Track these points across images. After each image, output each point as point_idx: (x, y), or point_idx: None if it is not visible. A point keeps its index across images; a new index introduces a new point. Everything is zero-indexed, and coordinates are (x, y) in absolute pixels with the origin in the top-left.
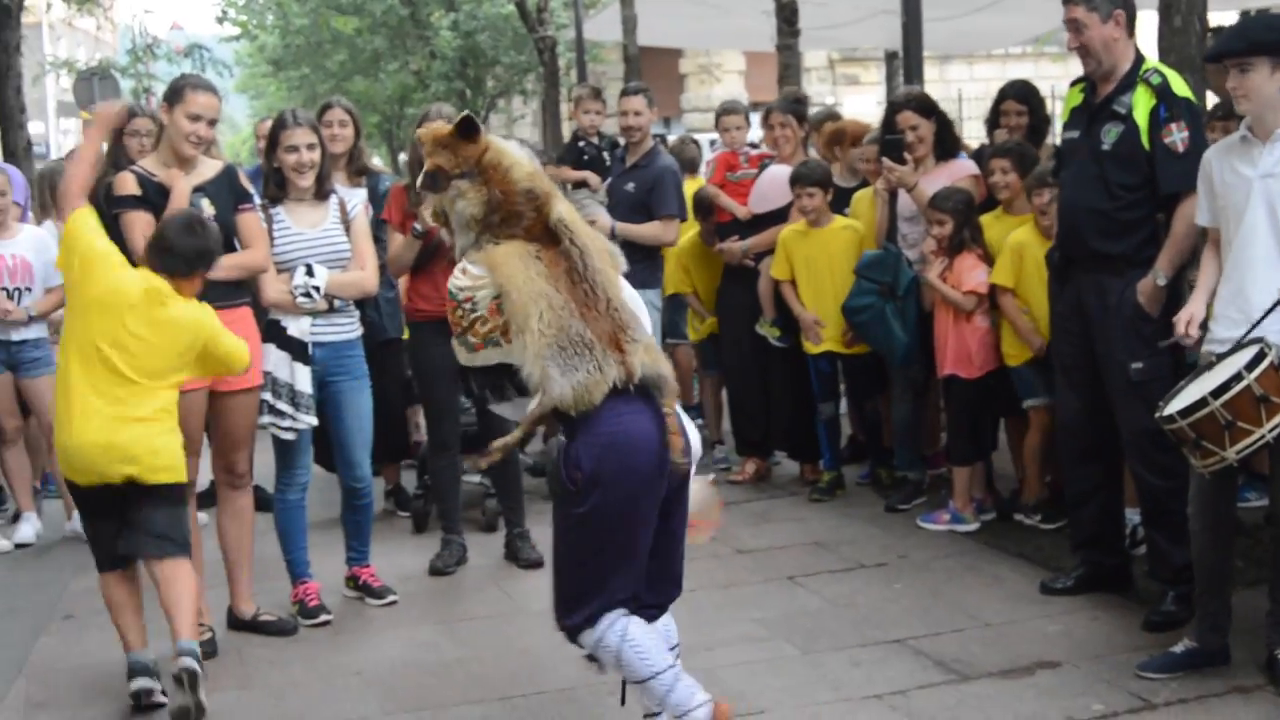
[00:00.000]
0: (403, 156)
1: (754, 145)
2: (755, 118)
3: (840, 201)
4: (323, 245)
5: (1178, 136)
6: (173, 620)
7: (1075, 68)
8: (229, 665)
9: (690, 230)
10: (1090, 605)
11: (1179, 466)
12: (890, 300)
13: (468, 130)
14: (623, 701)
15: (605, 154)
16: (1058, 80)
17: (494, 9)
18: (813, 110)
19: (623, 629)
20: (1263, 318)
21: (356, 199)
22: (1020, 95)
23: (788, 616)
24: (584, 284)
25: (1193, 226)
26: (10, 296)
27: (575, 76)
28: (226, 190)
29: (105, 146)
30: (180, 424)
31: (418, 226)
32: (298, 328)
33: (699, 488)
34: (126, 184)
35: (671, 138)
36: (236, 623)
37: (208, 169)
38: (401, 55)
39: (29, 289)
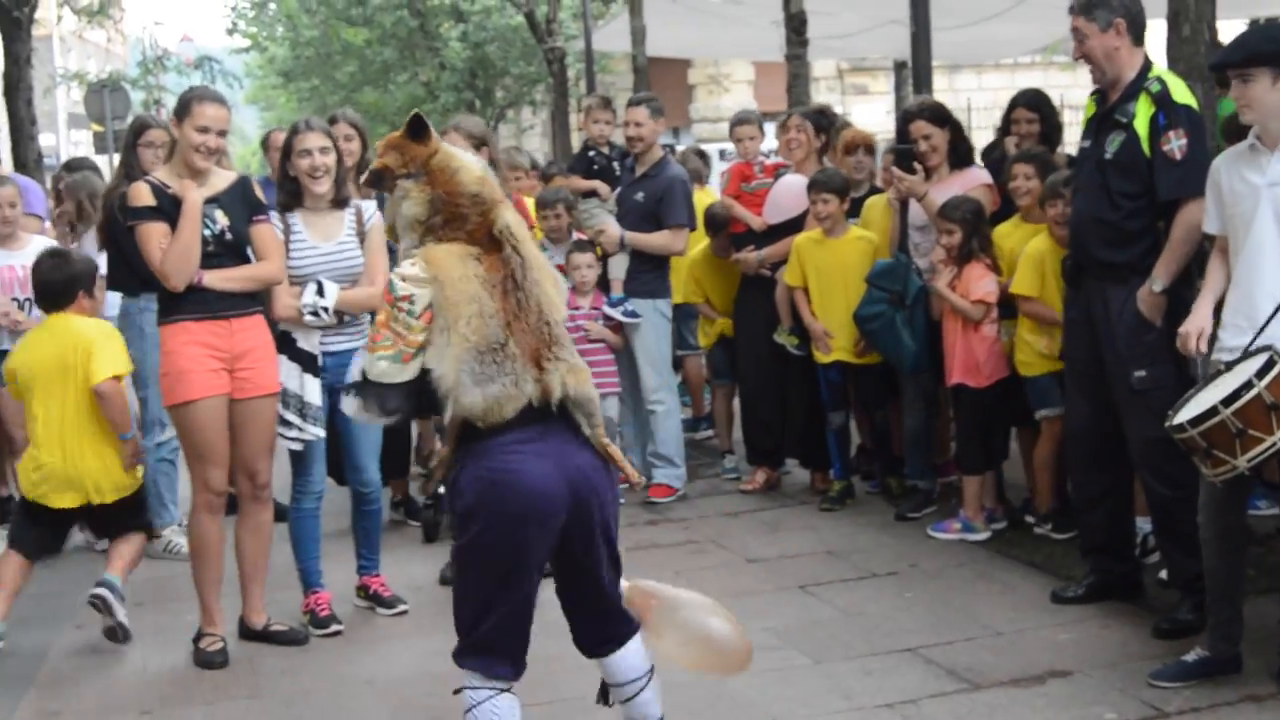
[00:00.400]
0: None
1: (767, 155)
2: (770, 128)
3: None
4: (336, 260)
5: (1175, 144)
6: (110, 562)
7: (1084, 77)
8: (240, 675)
9: (700, 242)
10: (1101, 614)
11: (1188, 476)
12: (900, 309)
13: (416, 131)
14: (606, 702)
15: (615, 164)
16: (1066, 89)
17: (503, 20)
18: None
19: (490, 710)
20: (1266, 323)
21: (373, 208)
22: (1031, 104)
23: (799, 626)
24: (519, 293)
25: (1191, 233)
26: (21, 306)
27: (584, 87)
28: (240, 201)
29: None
30: (200, 433)
31: None
32: (307, 341)
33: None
34: (141, 195)
35: (680, 148)
36: (248, 633)
37: (221, 180)
38: (411, 66)
39: None
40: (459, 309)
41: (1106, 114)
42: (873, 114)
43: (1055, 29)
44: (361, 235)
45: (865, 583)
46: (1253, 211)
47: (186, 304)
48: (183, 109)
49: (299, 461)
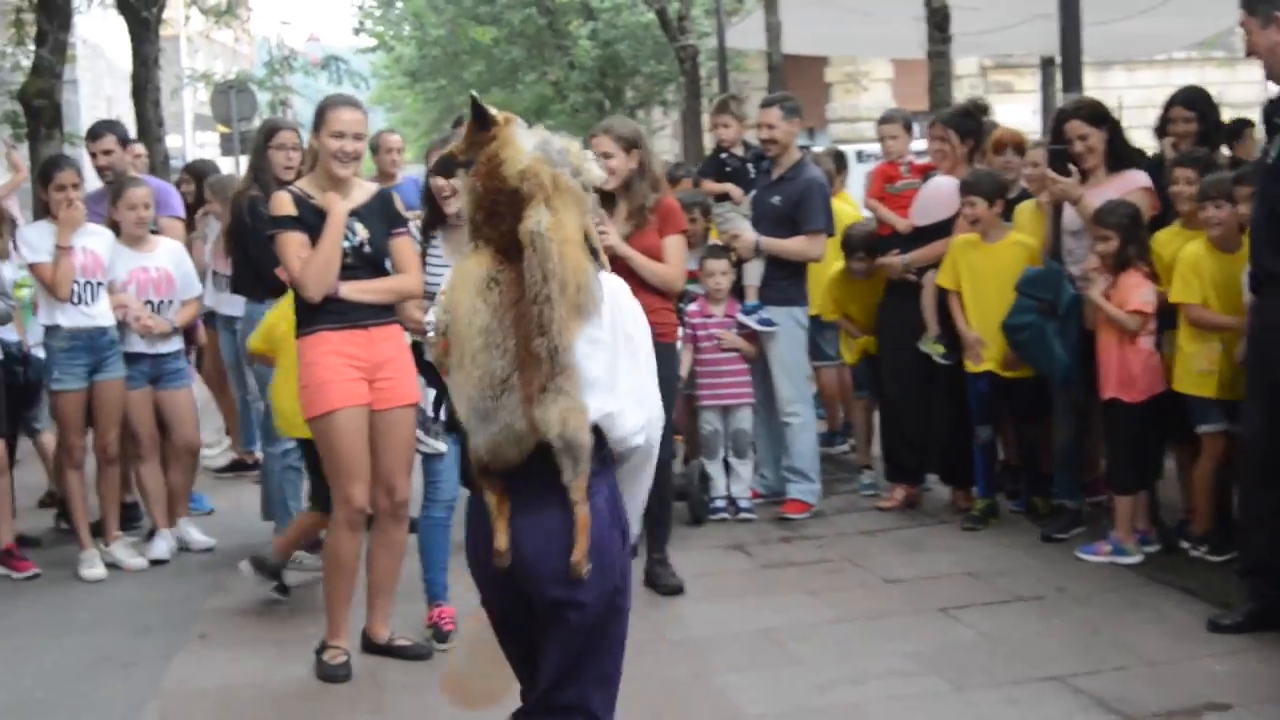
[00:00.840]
0: None
1: (917, 155)
2: (917, 127)
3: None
4: None
5: None
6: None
7: (1243, 73)
8: (364, 689)
9: (836, 262)
10: (1261, 644)
11: None
12: (1051, 319)
13: (478, 118)
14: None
15: (749, 166)
16: (1225, 86)
17: (634, 18)
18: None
19: None
20: None
21: None
22: (1188, 101)
23: (939, 650)
24: (535, 308)
25: None
26: (155, 310)
27: (717, 86)
28: (380, 215)
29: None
30: (341, 443)
31: None
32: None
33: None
34: (283, 204)
35: (816, 149)
36: (371, 646)
37: (362, 193)
38: (539, 66)
39: (170, 301)
40: (464, 346)
41: (1269, 116)
42: (1018, 113)
43: (1211, 23)
44: None
45: (1009, 606)
46: None
47: (323, 314)
48: (318, 118)
49: (430, 468)
